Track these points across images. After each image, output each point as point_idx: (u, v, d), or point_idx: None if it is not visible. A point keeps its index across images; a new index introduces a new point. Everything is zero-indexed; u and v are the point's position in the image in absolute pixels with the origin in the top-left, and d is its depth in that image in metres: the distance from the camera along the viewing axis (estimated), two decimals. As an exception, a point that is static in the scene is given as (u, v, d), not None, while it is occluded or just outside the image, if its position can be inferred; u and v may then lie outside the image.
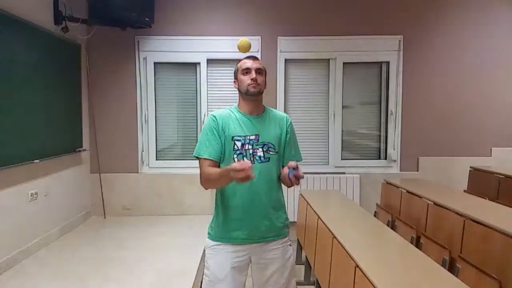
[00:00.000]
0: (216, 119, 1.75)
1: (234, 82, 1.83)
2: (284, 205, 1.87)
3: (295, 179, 1.62)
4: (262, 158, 1.73)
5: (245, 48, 1.77)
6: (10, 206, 3.19)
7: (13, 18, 3.15)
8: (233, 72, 1.86)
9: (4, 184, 3.12)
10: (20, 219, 3.33)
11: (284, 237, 1.83)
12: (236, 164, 1.45)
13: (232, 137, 1.73)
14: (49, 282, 2.87)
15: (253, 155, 1.72)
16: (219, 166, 1.74)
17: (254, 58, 1.79)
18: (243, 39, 1.78)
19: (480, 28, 4.61)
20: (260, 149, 1.73)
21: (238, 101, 1.83)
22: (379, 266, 1.77)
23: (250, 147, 1.73)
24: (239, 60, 1.82)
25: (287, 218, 1.87)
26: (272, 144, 1.76)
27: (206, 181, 1.71)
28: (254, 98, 1.76)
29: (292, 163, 1.64)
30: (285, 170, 1.66)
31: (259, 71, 1.75)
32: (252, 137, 1.74)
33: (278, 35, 4.58)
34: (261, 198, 1.72)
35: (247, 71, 1.75)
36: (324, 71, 4.71)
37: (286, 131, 1.83)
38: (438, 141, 4.67)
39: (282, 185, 1.84)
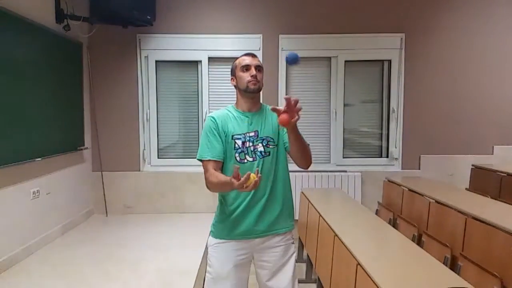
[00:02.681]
0: (215, 120, 1.75)
1: (232, 79, 1.82)
2: (290, 197, 1.83)
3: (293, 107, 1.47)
4: (263, 153, 1.73)
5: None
6: (12, 204, 3.20)
7: (15, 16, 3.15)
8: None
9: (6, 182, 3.13)
10: (22, 217, 3.34)
11: (287, 231, 1.81)
12: (238, 182, 1.42)
13: (232, 136, 1.73)
14: (51, 280, 2.88)
15: (254, 152, 1.73)
16: (223, 166, 1.74)
17: (252, 55, 1.79)
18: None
19: (482, 26, 4.59)
20: (260, 144, 1.74)
21: (236, 99, 1.83)
22: (381, 264, 1.77)
23: (251, 144, 1.73)
24: (237, 58, 1.82)
25: (291, 212, 1.84)
26: (271, 138, 1.76)
27: (211, 187, 1.69)
28: (253, 95, 1.76)
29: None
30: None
31: (258, 68, 1.75)
32: (252, 134, 1.74)
33: (280, 33, 4.57)
34: (263, 191, 1.72)
35: (246, 67, 1.74)
36: (325, 69, 4.71)
37: None
38: (440, 139, 4.66)
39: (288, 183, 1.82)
